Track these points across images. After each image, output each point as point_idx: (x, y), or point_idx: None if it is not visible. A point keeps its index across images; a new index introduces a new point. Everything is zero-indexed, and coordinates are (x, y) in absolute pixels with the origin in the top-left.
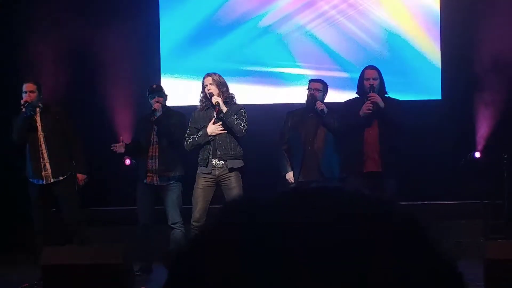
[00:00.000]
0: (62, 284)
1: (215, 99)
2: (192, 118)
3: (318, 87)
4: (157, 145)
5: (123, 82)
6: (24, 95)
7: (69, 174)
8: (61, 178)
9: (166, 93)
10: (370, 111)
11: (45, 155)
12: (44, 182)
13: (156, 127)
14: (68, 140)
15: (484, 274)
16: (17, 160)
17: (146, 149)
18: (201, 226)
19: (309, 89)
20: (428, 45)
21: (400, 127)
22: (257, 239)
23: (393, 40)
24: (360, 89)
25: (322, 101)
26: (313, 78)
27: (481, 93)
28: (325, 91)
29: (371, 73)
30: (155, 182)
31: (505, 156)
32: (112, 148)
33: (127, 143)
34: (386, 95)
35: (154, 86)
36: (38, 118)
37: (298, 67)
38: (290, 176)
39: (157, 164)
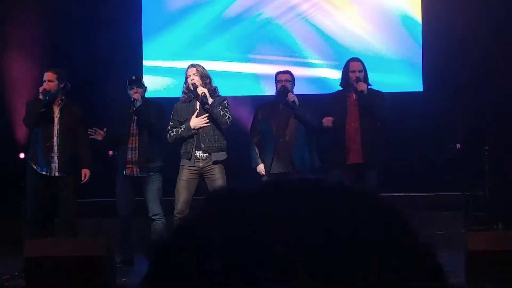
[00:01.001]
0: (45, 276)
1: (201, 90)
2: (175, 110)
3: (287, 78)
4: (137, 136)
5: (104, 72)
6: (44, 83)
7: (73, 172)
8: (65, 174)
9: (145, 85)
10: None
11: (55, 149)
12: (49, 174)
13: (135, 118)
14: (76, 141)
15: (465, 265)
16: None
17: (125, 140)
18: (183, 217)
19: (279, 81)
20: (409, 34)
21: (384, 119)
22: (239, 231)
23: (374, 33)
24: (345, 81)
25: (292, 92)
26: (280, 70)
27: (462, 85)
28: (293, 82)
29: (356, 66)
30: (135, 174)
31: (486, 148)
32: (89, 132)
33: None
34: (369, 87)
35: (134, 78)
36: (56, 111)
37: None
38: (261, 168)
39: (137, 155)
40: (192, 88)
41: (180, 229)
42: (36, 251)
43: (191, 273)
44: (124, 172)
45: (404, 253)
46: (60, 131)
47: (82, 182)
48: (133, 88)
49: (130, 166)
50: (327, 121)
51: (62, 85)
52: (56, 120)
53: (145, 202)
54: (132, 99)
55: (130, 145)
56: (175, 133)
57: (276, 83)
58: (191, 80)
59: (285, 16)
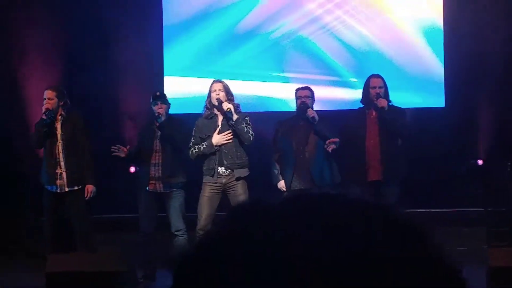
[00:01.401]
0: None
1: (227, 105)
2: (196, 127)
3: (307, 94)
4: (160, 152)
5: (127, 87)
6: (44, 102)
7: (84, 185)
8: (75, 188)
9: (169, 102)
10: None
11: (62, 164)
12: (59, 191)
13: (159, 133)
14: (82, 150)
15: (487, 282)
16: (25, 169)
17: (148, 156)
18: (206, 232)
19: (298, 97)
20: (432, 51)
21: (405, 136)
22: (260, 246)
23: (396, 47)
24: (365, 97)
25: (312, 108)
26: (300, 86)
27: (484, 101)
28: (313, 98)
29: (377, 82)
30: (158, 189)
31: (509, 164)
32: (112, 150)
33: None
34: (390, 104)
35: (158, 94)
36: (58, 126)
37: (287, 78)
38: (281, 185)
39: (160, 171)
40: (216, 103)
41: (203, 244)
42: (57, 266)
43: (212, 286)
44: (147, 188)
45: (430, 269)
46: (64, 147)
47: (86, 198)
48: (157, 104)
49: (153, 182)
50: None
51: (62, 103)
52: (59, 136)
53: (168, 217)
54: (157, 113)
55: (153, 161)
56: (197, 150)
57: (296, 99)
58: (217, 95)
59: (305, 31)
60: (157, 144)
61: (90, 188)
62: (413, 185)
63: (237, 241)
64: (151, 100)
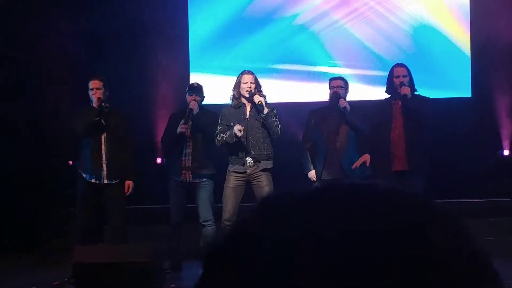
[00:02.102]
0: (93, 282)
1: (258, 98)
2: (223, 115)
3: (340, 84)
4: (191, 142)
5: (154, 81)
6: (90, 92)
7: (122, 179)
8: (114, 181)
9: (204, 95)
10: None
11: (104, 156)
12: (98, 182)
13: (190, 123)
14: (124, 146)
15: None
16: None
17: (180, 146)
18: (237, 222)
19: (331, 87)
20: (459, 42)
21: (426, 124)
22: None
23: (423, 38)
24: (390, 87)
25: (344, 99)
26: (334, 76)
27: (511, 91)
28: (346, 88)
29: (401, 71)
30: (187, 179)
31: None
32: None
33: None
34: (415, 93)
35: (195, 85)
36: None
37: (324, 64)
38: (312, 174)
39: (190, 161)
40: (247, 95)
41: (233, 235)
42: (84, 257)
43: (243, 278)
44: (177, 178)
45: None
46: (107, 139)
47: (126, 194)
48: (192, 95)
49: (184, 172)
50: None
51: (107, 92)
52: (104, 127)
53: (197, 208)
54: (190, 106)
55: (184, 151)
56: (221, 138)
57: (329, 89)
58: (248, 87)
59: (336, 21)
60: (188, 134)
61: (130, 184)
62: (438, 175)
63: (267, 232)
64: (186, 89)
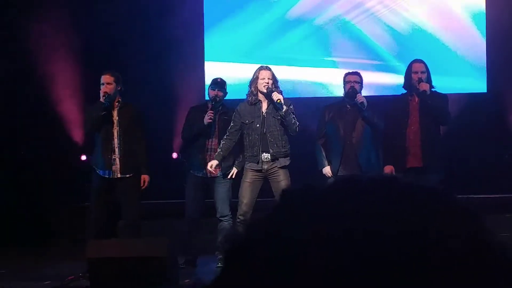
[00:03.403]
0: (108, 276)
1: (277, 96)
2: (237, 112)
3: (356, 79)
4: (217, 139)
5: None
6: (102, 87)
7: (135, 173)
8: (127, 175)
9: (227, 91)
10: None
11: (117, 150)
12: (111, 176)
13: (217, 120)
14: (137, 140)
15: None
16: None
17: (202, 140)
18: (257, 218)
19: (347, 82)
20: (474, 38)
21: (445, 122)
22: (317, 229)
23: (439, 32)
24: (407, 83)
25: (360, 93)
26: (349, 71)
27: None
28: (361, 84)
29: (419, 67)
30: (208, 174)
31: None
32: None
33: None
34: (432, 89)
35: (219, 80)
36: (115, 113)
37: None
38: (327, 170)
39: (212, 156)
40: (265, 90)
41: (254, 229)
42: (98, 252)
43: (264, 272)
44: (198, 172)
45: (480, 254)
46: (120, 133)
47: (142, 188)
48: (215, 90)
49: (206, 167)
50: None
51: (119, 88)
52: (115, 122)
53: (215, 203)
54: (212, 99)
55: (208, 146)
56: (224, 142)
57: (344, 84)
58: (266, 83)
59: (348, 16)
60: (216, 130)
61: (146, 178)
62: (454, 171)
63: (287, 227)
64: (210, 84)
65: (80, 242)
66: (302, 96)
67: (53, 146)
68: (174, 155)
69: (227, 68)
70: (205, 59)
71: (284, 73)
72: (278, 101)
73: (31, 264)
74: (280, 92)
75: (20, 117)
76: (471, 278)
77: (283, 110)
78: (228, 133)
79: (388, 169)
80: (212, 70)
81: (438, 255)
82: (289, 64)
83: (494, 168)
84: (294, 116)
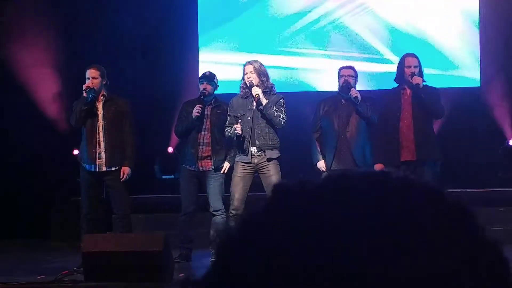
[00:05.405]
0: (102, 270)
1: (255, 90)
2: (230, 106)
3: (350, 73)
4: (209, 132)
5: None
6: (87, 81)
7: (122, 166)
8: (113, 168)
9: (217, 84)
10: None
11: (102, 144)
12: (97, 170)
13: (208, 113)
14: (124, 133)
15: None
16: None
17: (194, 135)
18: (249, 211)
19: (341, 76)
20: (467, 32)
21: (438, 116)
22: (309, 225)
23: (432, 27)
24: (400, 76)
25: (355, 88)
26: (343, 65)
27: None
28: (356, 77)
29: (412, 61)
30: (200, 168)
31: None
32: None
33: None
34: (424, 83)
35: (207, 73)
36: (100, 106)
37: (328, 56)
38: (321, 164)
39: (204, 150)
40: (249, 86)
41: (246, 224)
42: (93, 246)
43: (256, 265)
44: (190, 166)
45: (474, 248)
46: (105, 127)
47: (121, 180)
48: (203, 83)
49: (198, 161)
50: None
51: (104, 82)
52: (100, 116)
53: (207, 197)
54: (202, 92)
55: (200, 140)
56: (226, 132)
57: (338, 78)
58: (248, 78)
59: (341, 10)
60: (207, 124)
61: (126, 170)
62: (447, 165)
63: (279, 221)
64: (199, 77)
65: (75, 237)
66: (297, 90)
67: (49, 139)
68: (170, 149)
69: (221, 61)
70: (199, 53)
71: (279, 66)
72: (257, 95)
73: (26, 259)
74: (272, 86)
75: (12, 111)
76: (461, 270)
77: (263, 103)
78: (227, 125)
79: (379, 167)
80: (208, 63)
81: (428, 252)
82: (285, 55)
83: (487, 163)
84: (282, 110)
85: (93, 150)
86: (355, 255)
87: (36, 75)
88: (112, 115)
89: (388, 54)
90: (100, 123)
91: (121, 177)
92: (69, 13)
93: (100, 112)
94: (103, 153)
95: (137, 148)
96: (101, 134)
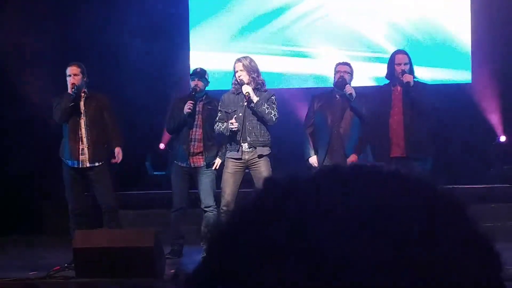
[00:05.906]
0: (93, 267)
1: (246, 88)
2: (222, 102)
3: (346, 70)
4: (201, 128)
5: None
6: (68, 78)
7: (105, 161)
8: (96, 164)
9: (208, 80)
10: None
11: (85, 140)
12: (80, 166)
13: (200, 110)
14: (107, 129)
15: None
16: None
17: (186, 131)
18: (238, 206)
19: (337, 72)
20: (459, 29)
21: (427, 112)
22: (297, 222)
23: (424, 23)
24: (390, 73)
25: (350, 84)
26: (340, 61)
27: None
28: (352, 74)
29: (402, 58)
30: (191, 165)
31: None
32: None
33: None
34: (414, 79)
35: (198, 69)
36: (82, 103)
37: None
38: (313, 160)
39: (195, 146)
40: (239, 84)
41: (237, 219)
42: (84, 242)
43: (247, 259)
44: (181, 163)
45: (467, 242)
46: (87, 123)
47: (114, 161)
48: (194, 80)
49: (190, 157)
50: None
51: (85, 78)
52: (82, 112)
53: (199, 193)
54: (193, 88)
55: (191, 136)
56: (218, 127)
57: (334, 73)
58: (239, 76)
59: (332, 6)
60: (199, 120)
61: (118, 150)
62: (438, 162)
63: (270, 217)
64: (190, 74)
65: (66, 233)
66: (291, 87)
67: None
68: (162, 145)
69: (212, 58)
70: (190, 49)
71: (268, 63)
72: (247, 94)
73: (17, 255)
74: (262, 83)
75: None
76: (453, 266)
77: (254, 101)
78: (218, 120)
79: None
80: (199, 60)
81: (420, 245)
82: (276, 53)
83: (479, 159)
84: (274, 107)
85: (76, 147)
86: (347, 247)
87: (35, 75)
88: (93, 111)
89: (380, 51)
90: (82, 120)
91: (115, 158)
92: (62, 13)
93: (82, 108)
94: (86, 149)
95: (122, 129)
96: (83, 130)
